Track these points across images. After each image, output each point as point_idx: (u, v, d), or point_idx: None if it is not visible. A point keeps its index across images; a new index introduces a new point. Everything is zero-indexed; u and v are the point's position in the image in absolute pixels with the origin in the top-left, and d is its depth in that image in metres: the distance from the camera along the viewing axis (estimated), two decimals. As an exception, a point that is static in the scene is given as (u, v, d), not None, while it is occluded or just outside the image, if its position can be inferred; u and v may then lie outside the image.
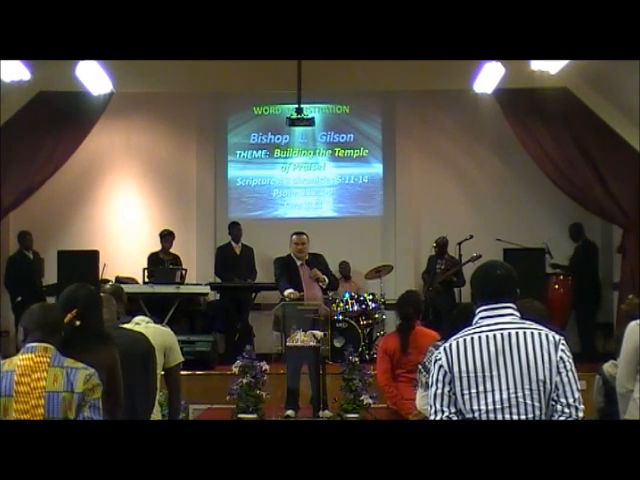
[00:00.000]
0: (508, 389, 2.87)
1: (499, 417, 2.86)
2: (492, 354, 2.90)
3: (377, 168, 11.67)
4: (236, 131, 11.67)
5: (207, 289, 10.08)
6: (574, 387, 2.88)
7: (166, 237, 10.40)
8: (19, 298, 9.79)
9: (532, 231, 10.80)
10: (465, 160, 11.38)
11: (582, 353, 9.37)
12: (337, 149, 11.63)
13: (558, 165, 10.04)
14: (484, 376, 2.89)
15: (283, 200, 11.62)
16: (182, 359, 4.85)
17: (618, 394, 4.60)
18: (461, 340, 2.95)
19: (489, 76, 9.12)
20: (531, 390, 2.87)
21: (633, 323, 4.59)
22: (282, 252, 7.86)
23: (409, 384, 6.09)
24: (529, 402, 2.86)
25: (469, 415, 2.90)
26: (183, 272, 9.98)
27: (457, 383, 2.91)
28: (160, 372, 4.59)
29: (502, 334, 2.92)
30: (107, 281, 8.83)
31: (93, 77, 9.03)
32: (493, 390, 2.88)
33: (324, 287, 7.57)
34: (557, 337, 2.93)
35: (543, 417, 2.87)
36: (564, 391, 2.87)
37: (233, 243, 10.65)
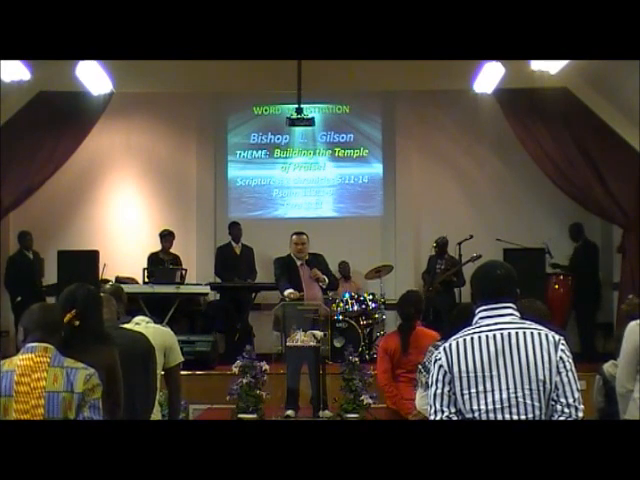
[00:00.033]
0: (508, 389, 2.87)
1: (499, 417, 2.86)
2: (492, 354, 2.90)
3: (377, 168, 11.67)
4: (236, 131, 11.67)
5: (207, 289, 10.08)
6: (574, 387, 2.88)
7: (166, 237, 10.40)
8: (19, 298, 9.79)
9: (532, 231, 10.80)
10: (465, 160, 11.38)
11: (582, 353, 9.38)
12: (337, 149, 11.63)
13: (558, 165, 10.04)
14: (484, 376, 2.89)
15: (283, 200, 11.62)
16: (182, 359, 4.85)
17: (618, 394, 4.60)
18: (461, 340, 2.95)
19: (489, 76, 9.12)
20: (531, 390, 2.87)
21: (633, 323, 4.59)
22: (282, 252, 7.86)
23: (409, 384, 6.08)
24: (529, 402, 2.86)
25: (469, 415, 2.90)
26: (183, 272, 9.98)
27: (457, 383, 2.91)
28: (160, 372, 4.59)
29: (502, 334, 2.92)
30: (107, 281, 8.83)
31: (93, 77, 9.03)
32: (493, 390, 2.88)
33: (324, 287, 7.57)
34: (557, 337, 2.94)
35: (543, 417, 2.86)
36: (564, 391, 2.87)
37: (233, 243, 10.65)
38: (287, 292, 7.34)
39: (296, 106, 9.17)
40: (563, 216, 10.88)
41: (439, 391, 2.95)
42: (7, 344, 9.87)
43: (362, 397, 6.91)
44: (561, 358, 2.89)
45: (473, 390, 2.89)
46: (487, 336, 2.93)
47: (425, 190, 11.38)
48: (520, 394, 2.86)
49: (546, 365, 2.87)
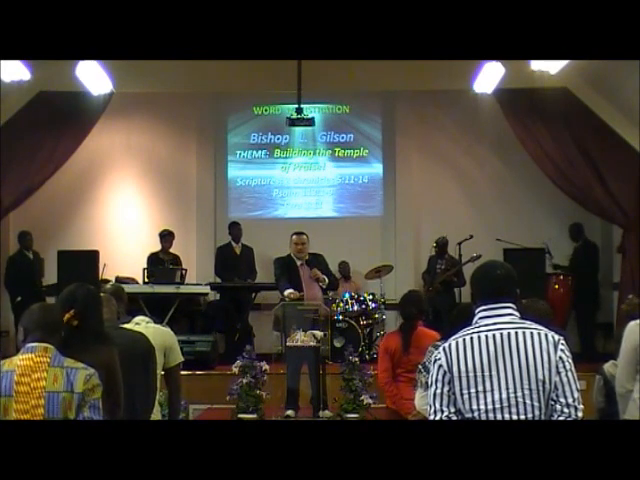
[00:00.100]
0: (507, 389, 2.87)
1: (498, 417, 2.86)
2: (491, 354, 2.90)
3: (377, 168, 11.67)
4: (236, 131, 11.67)
5: (207, 289, 10.08)
6: (573, 387, 2.88)
7: (166, 237, 10.41)
8: (19, 298, 9.79)
9: (532, 231, 10.80)
10: (465, 160, 11.38)
11: (582, 353, 9.38)
12: (337, 149, 11.63)
13: (558, 165, 10.04)
14: (483, 376, 2.89)
15: (283, 200, 11.62)
16: (182, 359, 4.85)
17: (618, 394, 4.61)
18: (460, 340, 2.95)
19: (489, 76, 9.12)
20: (530, 390, 2.87)
21: (633, 323, 4.59)
22: (282, 252, 7.86)
23: (409, 384, 6.09)
24: (528, 402, 2.86)
25: (468, 415, 2.90)
26: (183, 272, 9.98)
27: (456, 383, 2.91)
28: (160, 372, 4.59)
29: (501, 334, 2.92)
30: (107, 281, 8.82)
31: (93, 77, 9.03)
32: (492, 390, 2.88)
33: (324, 287, 7.57)
34: (556, 337, 2.94)
35: (542, 417, 2.86)
36: (563, 391, 2.87)
37: (233, 243, 10.65)
38: (287, 292, 7.34)
39: (296, 106, 9.17)
40: (563, 216, 10.88)
41: (439, 391, 2.95)
42: (7, 344, 9.87)
43: (362, 397, 6.91)
44: (561, 358, 2.89)
45: (473, 390, 2.89)
46: (487, 336, 2.93)
47: (425, 190, 11.38)
48: (520, 394, 2.86)
49: (545, 365, 2.87)
